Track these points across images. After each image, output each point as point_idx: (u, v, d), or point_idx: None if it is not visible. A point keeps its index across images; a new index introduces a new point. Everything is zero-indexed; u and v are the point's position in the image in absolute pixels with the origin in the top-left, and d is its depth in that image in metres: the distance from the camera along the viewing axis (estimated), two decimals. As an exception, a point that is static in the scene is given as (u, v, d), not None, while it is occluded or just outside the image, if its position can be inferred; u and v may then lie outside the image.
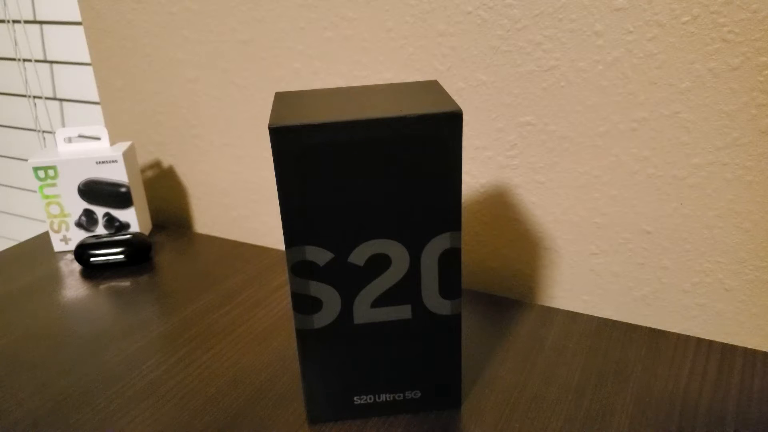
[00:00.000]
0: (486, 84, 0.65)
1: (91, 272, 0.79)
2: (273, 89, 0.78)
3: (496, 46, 0.63)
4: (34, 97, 1.02)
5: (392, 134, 0.43)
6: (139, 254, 0.80)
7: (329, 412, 0.52)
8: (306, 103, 0.46)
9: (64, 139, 0.86)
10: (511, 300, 0.69)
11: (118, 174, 0.82)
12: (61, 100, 0.99)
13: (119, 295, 0.73)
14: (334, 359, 0.50)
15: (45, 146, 1.06)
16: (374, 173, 0.44)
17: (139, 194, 0.86)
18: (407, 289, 0.48)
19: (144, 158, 0.93)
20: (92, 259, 0.79)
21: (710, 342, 0.60)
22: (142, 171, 0.94)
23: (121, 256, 0.79)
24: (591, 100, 0.61)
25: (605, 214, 0.65)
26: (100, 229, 0.85)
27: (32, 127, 1.06)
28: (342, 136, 0.42)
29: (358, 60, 0.71)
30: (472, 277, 0.75)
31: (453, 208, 0.45)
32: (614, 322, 0.64)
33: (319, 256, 0.46)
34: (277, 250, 0.82)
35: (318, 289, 0.47)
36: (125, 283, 0.76)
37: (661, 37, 0.56)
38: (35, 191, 1.14)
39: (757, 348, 0.62)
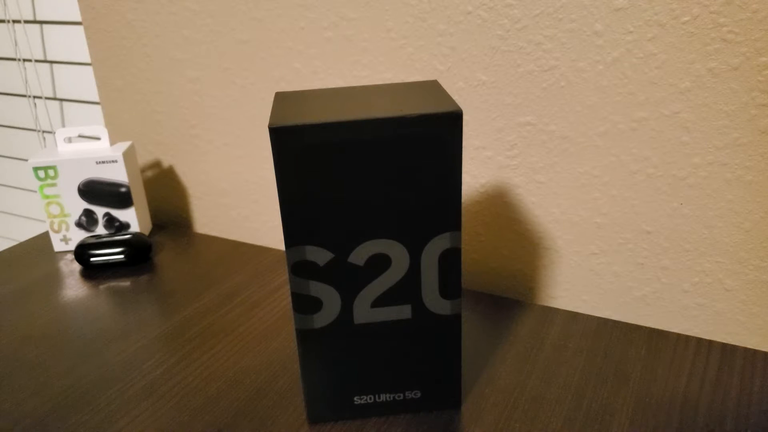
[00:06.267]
0: (486, 84, 0.65)
1: (91, 272, 0.79)
2: (273, 89, 0.78)
3: (496, 46, 0.63)
4: (34, 97, 1.02)
5: (392, 134, 0.43)
6: (139, 254, 0.80)
7: (329, 412, 0.52)
8: (306, 103, 0.46)
9: (64, 139, 0.86)
10: (511, 300, 0.69)
11: (118, 174, 0.82)
12: (61, 100, 0.99)
13: (119, 295, 0.73)
14: (334, 359, 0.50)
15: (45, 146, 1.06)
16: (374, 173, 0.44)
17: (139, 194, 0.86)
18: (407, 289, 0.48)
19: (144, 158, 0.93)
20: (92, 259, 0.79)
21: (710, 342, 0.60)
22: (142, 171, 0.94)
23: (121, 256, 0.79)
24: (591, 100, 0.61)
25: (605, 214, 0.65)
26: (100, 229, 0.85)
27: (32, 127, 1.06)
28: (342, 136, 0.42)
29: (358, 60, 0.71)
30: (472, 277, 0.75)
31: (453, 208, 0.45)
32: (614, 322, 0.64)
33: (319, 256, 0.46)
34: (277, 250, 0.82)
35: (318, 289, 0.47)
36: (125, 283, 0.76)
37: (661, 37, 0.56)
38: (35, 191, 1.14)
39: (757, 348, 0.62)
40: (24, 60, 1.00)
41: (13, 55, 1.01)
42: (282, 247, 0.88)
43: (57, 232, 0.85)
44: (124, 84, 0.89)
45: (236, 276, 0.77)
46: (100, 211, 0.84)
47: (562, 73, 0.61)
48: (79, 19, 0.90)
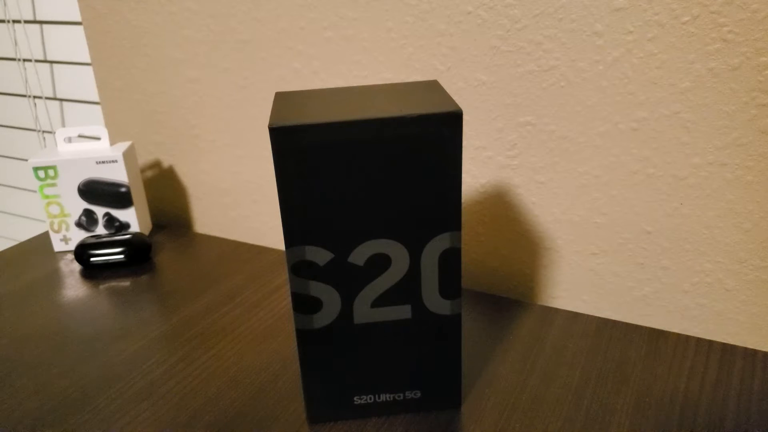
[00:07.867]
0: (486, 84, 0.65)
1: (91, 272, 0.79)
2: (273, 89, 0.78)
3: (496, 46, 0.63)
4: (34, 97, 1.02)
5: (392, 134, 0.43)
6: (139, 254, 0.80)
7: (329, 412, 0.52)
8: (306, 103, 0.46)
9: (64, 139, 0.86)
10: (511, 300, 0.69)
11: (118, 174, 0.82)
12: (61, 100, 0.99)
13: (119, 295, 0.73)
14: (334, 359, 0.50)
15: (45, 146, 1.06)
16: (374, 173, 0.44)
17: (139, 194, 0.86)
18: (407, 289, 0.48)
19: (144, 158, 0.93)
20: (92, 259, 0.79)
21: (710, 342, 0.60)
22: (142, 171, 0.94)
23: (121, 256, 0.79)
24: (591, 100, 0.61)
25: (605, 214, 0.65)
26: (100, 229, 0.85)
27: (32, 127, 1.06)
28: (342, 136, 0.42)
29: (358, 60, 0.71)
30: (472, 277, 0.75)
31: (453, 208, 0.45)
32: (614, 322, 0.64)
33: (319, 256, 0.46)
34: (277, 250, 0.82)
35: (318, 289, 0.47)
36: (125, 283, 0.76)
37: (661, 37, 0.56)
38: (35, 191, 1.14)
39: (757, 348, 0.62)
40: (24, 60, 1.00)
41: (13, 55, 1.01)
42: (282, 247, 0.88)
43: (57, 232, 0.85)
44: (124, 84, 0.89)
45: (236, 276, 0.77)
46: (100, 211, 0.84)
47: (562, 73, 0.61)
48: (79, 19, 0.90)
